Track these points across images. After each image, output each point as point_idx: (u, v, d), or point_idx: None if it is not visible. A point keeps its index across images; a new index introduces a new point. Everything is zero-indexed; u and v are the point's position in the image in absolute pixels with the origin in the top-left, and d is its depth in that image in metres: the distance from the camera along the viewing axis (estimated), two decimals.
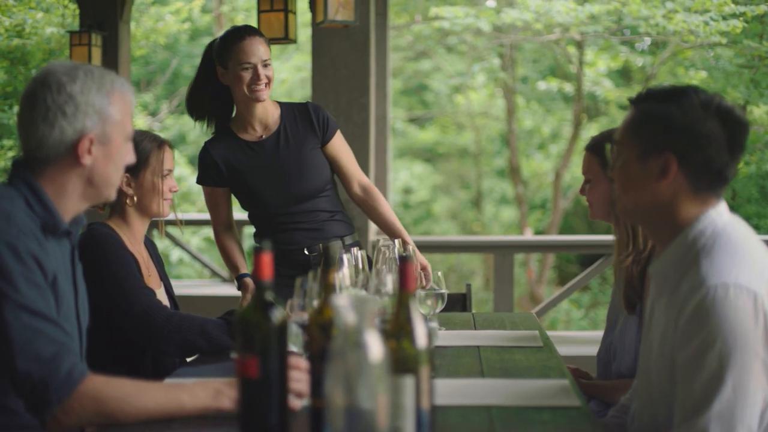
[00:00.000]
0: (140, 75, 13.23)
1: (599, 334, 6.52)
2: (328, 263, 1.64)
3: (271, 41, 4.65)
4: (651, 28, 8.33)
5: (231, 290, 7.60)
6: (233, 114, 3.46)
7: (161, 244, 10.70)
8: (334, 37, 5.68)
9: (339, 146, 3.47)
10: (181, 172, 12.11)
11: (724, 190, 1.89)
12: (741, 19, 7.37)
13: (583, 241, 6.62)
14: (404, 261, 1.58)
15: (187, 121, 15.02)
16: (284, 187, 3.37)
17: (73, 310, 2.02)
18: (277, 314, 1.61)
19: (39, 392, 1.76)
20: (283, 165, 3.37)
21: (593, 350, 2.95)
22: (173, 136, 13.45)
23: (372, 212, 3.52)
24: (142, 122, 12.02)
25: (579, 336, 6.70)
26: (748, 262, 1.78)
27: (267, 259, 1.63)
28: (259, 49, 3.28)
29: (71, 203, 1.97)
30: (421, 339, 1.57)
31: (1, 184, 1.96)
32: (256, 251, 1.63)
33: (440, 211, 15.30)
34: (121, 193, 2.68)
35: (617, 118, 13.24)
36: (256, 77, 3.27)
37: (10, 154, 9.73)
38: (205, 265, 8.30)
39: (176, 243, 8.27)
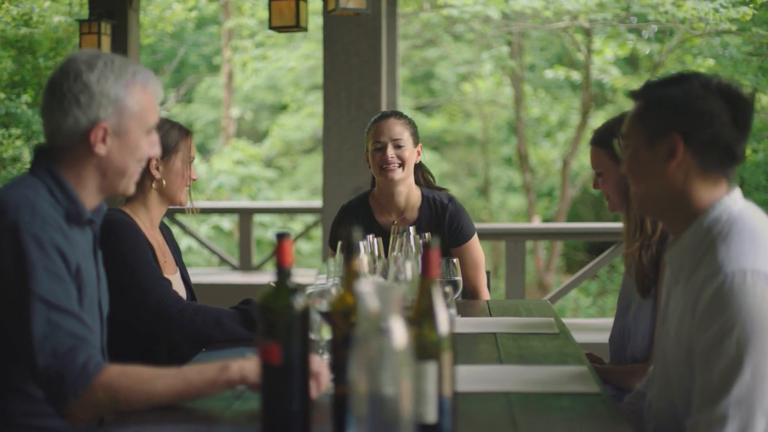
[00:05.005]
0: (147, 64, 13.23)
1: (608, 321, 6.54)
2: (350, 250, 1.64)
3: (282, 29, 4.67)
4: (660, 15, 8.30)
5: (239, 278, 7.62)
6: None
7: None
8: (345, 25, 5.67)
9: (464, 256, 3.41)
10: None
11: (734, 171, 1.89)
12: (751, 6, 7.34)
13: (594, 228, 6.62)
14: (427, 248, 1.58)
15: (194, 109, 15.03)
16: None
17: (96, 297, 2.03)
18: (300, 300, 1.62)
19: (55, 386, 1.75)
20: None
21: (603, 337, 2.96)
22: None
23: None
24: None
25: (588, 323, 6.70)
26: (765, 247, 1.78)
27: (288, 245, 1.63)
28: (392, 130, 3.34)
29: (90, 193, 1.96)
30: (443, 325, 1.57)
31: (24, 173, 1.96)
32: (279, 238, 1.63)
33: None
34: (146, 176, 2.68)
35: (624, 106, 13.21)
36: (385, 157, 3.33)
37: (18, 143, 9.74)
38: (213, 252, 8.31)
39: (186, 231, 8.28)
